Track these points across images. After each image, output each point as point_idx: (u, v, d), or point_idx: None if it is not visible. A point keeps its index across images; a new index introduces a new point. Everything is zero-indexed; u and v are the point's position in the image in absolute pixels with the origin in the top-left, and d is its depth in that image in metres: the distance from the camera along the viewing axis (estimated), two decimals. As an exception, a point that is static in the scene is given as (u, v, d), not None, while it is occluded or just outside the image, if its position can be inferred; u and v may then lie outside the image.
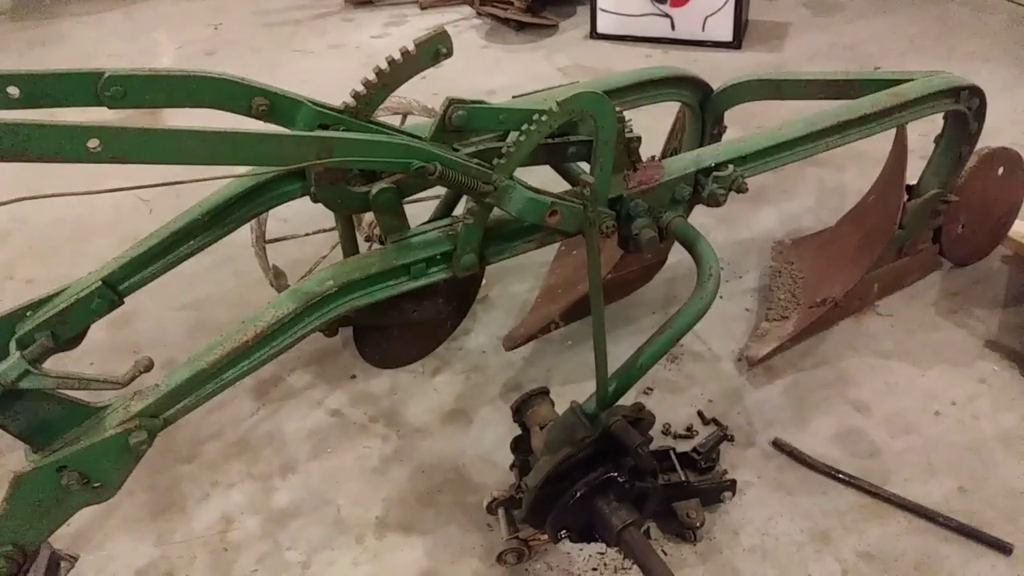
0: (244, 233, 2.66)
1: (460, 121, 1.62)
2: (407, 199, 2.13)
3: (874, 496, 2.24)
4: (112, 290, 1.84)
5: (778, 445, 2.40)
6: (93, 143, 1.16)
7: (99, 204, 3.84)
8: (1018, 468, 2.31)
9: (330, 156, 1.36)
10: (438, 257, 1.75)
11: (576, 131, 1.87)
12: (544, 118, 1.57)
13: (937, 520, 2.15)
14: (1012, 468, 2.31)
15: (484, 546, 2.22)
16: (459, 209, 2.11)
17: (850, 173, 3.61)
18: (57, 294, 1.84)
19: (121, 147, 1.19)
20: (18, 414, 1.53)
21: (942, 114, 2.54)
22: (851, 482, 2.27)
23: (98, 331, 3.03)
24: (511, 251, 1.84)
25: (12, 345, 1.78)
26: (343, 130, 1.51)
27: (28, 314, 1.83)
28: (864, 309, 2.86)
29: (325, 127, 1.51)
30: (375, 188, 1.68)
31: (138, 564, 2.29)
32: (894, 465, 2.34)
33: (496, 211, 1.73)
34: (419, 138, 1.60)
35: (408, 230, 1.77)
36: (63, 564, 1.84)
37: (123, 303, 1.89)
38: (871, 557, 2.11)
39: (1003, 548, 2.06)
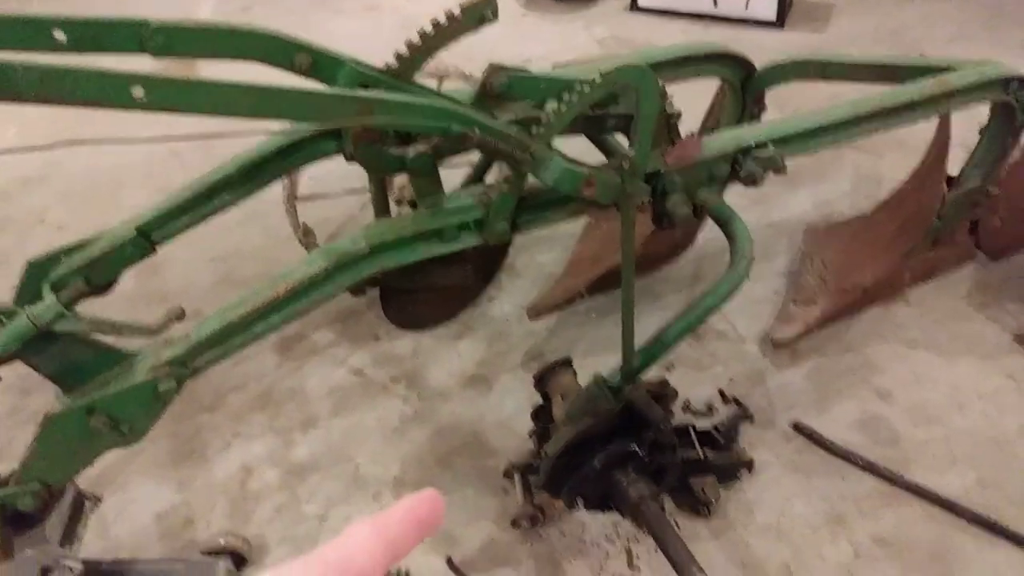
0: (275, 189, 2.68)
1: (501, 88, 1.61)
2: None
3: (892, 483, 2.23)
4: (145, 238, 1.88)
5: (798, 428, 2.40)
6: (138, 91, 1.17)
7: (132, 156, 3.86)
8: (1040, 465, 2.30)
9: (370, 115, 1.36)
10: (471, 223, 1.75)
11: (615, 103, 1.86)
12: (587, 89, 1.55)
13: (955, 510, 2.15)
14: (1034, 465, 2.30)
15: (499, 510, 2.25)
16: (490, 177, 2.11)
17: (888, 160, 3.55)
18: (92, 241, 1.87)
19: (165, 96, 1.20)
20: (51, 356, 1.56)
21: (988, 104, 2.48)
22: (869, 468, 2.26)
23: (127, 279, 3.06)
24: (543, 221, 1.83)
25: (45, 288, 1.81)
26: (384, 90, 1.50)
27: (62, 258, 1.86)
28: (894, 297, 2.83)
29: (366, 87, 1.51)
30: (412, 151, 1.68)
31: (158, 508, 2.34)
32: (914, 454, 2.33)
33: (530, 179, 1.72)
34: (459, 102, 1.59)
35: (442, 195, 1.77)
36: (87, 503, 1.88)
37: (155, 252, 1.92)
38: (885, 543, 2.11)
39: (1020, 541, 2.06)
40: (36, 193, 3.76)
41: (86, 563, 1.95)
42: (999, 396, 2.50)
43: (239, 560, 2.13)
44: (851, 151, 3.56)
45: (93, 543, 2.22)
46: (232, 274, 3.20)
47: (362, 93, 1.38)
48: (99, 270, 1.85)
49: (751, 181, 1.92)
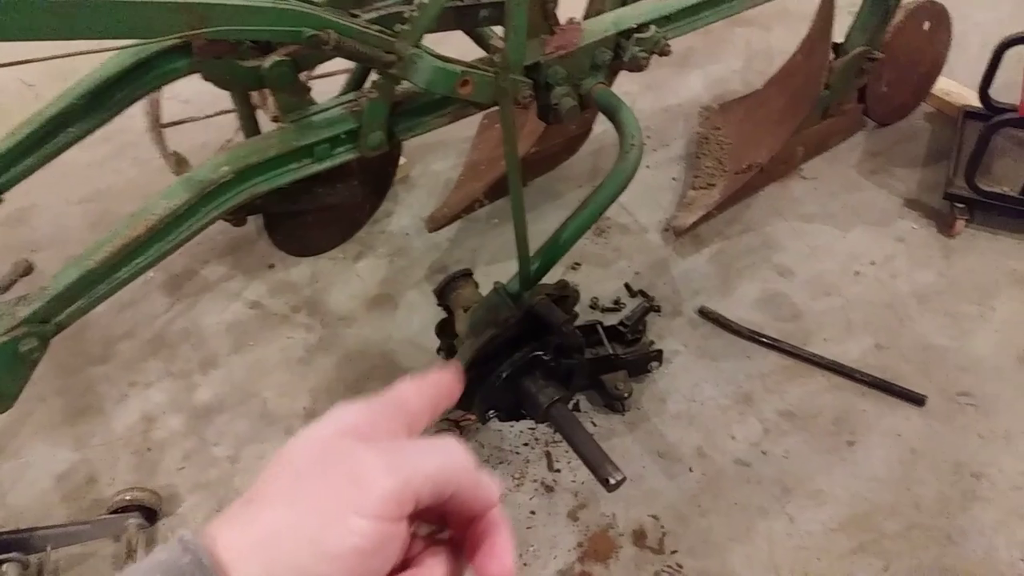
0: (143, 118, 2.47)
1: (356, -18, 1.46)
2: (315, 75, 1.98)
3: (795, 357, 2.29)
4: (-13, 186, 1.68)
5: (703, 313, 2.42)
6: None
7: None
8: (932, 323, 2.39)
9: (205, 26, 1.20)
10: (343, 136, 1.62)
11: (487, -8, 1.73)
12: (449, -23, 1.43)
13: (854, 376, 2.22)
14: (926, 323, 2.38)
15: (415, 429, 2.21)
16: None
17: (777, 32, 3.52)
18: (-81, 194, 1.68)
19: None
20: None
21: (871, -34, 2.45)
22: (773, 345, 2.31)
23: None
24: (423, 127, 1.72)
25: None
26: (221, -5, 1.34)
27: None
28: (789, 173, 2.85)
29: (201, -8, 1.34)
30: (267, 62, 1.53)
31: (58, 469, 2.21)
32: (814, 326, 2.39)
33: (406, 84, 1.60)
34: (311, 2, 1.44)
35: (309, 107, 1.63)
36: (-31, 478, 1.75)
37: (2, 200, 1.73)
38: (792, 415, 2.17)
39: (916, 400, 2.15)
40: None
41: (-21, 538, 1.85)
42: (891, 261, 2.57)
43: (149, 514, 2.05)
44: (741, 27, 3.51)
45: (-11, 515, 2.09)
46: (108, 214, 2.97)
47: None
48: (-64, 227, 1.66)
49: (636, 66, 1.84)
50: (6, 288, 1.40)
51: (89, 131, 1.78)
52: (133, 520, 2.01)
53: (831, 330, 2.37)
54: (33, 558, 1.93)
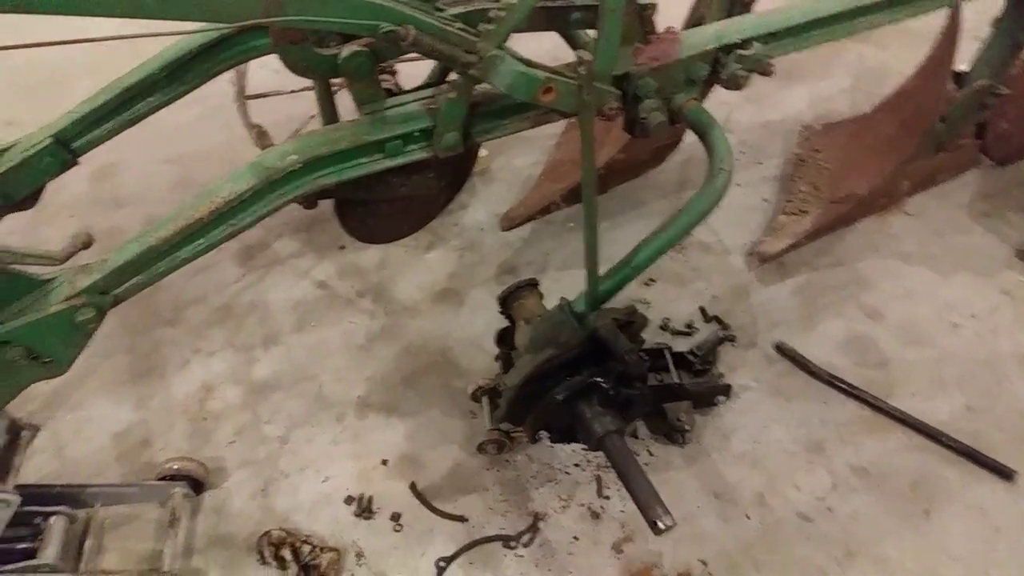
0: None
1: (445, -24, 1.39)
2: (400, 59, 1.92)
3: (876, 409, 2.13)
4: (64, 148, 1.70)
5: (781, 349, 2.28)
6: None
7: (83, 49, 3.60)
8: (1032, 388, 2.19)
9: (280, 13, 1.15)
10: (416, 134, 1.56)
11: (584, -7, 1.64)
12: (542, -23, 1.34)
13: (940, 439, 2.05)
14: (1026, 388, 2.19)
15: (466, 433, 2.16)
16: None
17: (894, 51, 3.29)
18: (5, 149, 1.69)
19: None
20: (-49, 287, 1.41)
21: (1005, -7, 2.24)
22: (853, 393, 2.16)
23: (80, 183, 2.95)
24: (501, 130, 1.65)
25: (-41, 203, 1.65)
26: (303, -19, 1.29)
27: (-27, 171, 1.69)
28: (891, 207, 2.66)
29: (283, -24, 1.30)
30: (345, 51, 1.47)
31: (115, 428, 2.25)
32: (901, 377, 2.22)
33: (486, 84, 1.53)
34: (396, -6, 1.37)
35: (384, 101, 1.57)
36: (24, 433, 1.78)
37: (77, 163, 1.74)
38: (865, 472, 2.02)
39: (1006, 474, 1.97)
40: (-18, 87, 3.53)
41: (33, 488, 1.88)
42: (994, 315, 2.37)
43: (196, 485, 2.06)
44: (854, 42, 3.29)
45: (48, 465, 2.15)
46: (190, 176, 3.02)
47: (269, -15, 1.17)
48: (16, 183, 1.68)
49: (734, 84, 1.72)
50: (65, 259, 1.40)
51: (169, 101, 1.78)
52: (179, 489, 2.02)
53: (919, 384, 2.20)
54: (81, 513, 1.97)
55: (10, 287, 1.48)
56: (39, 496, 1.89)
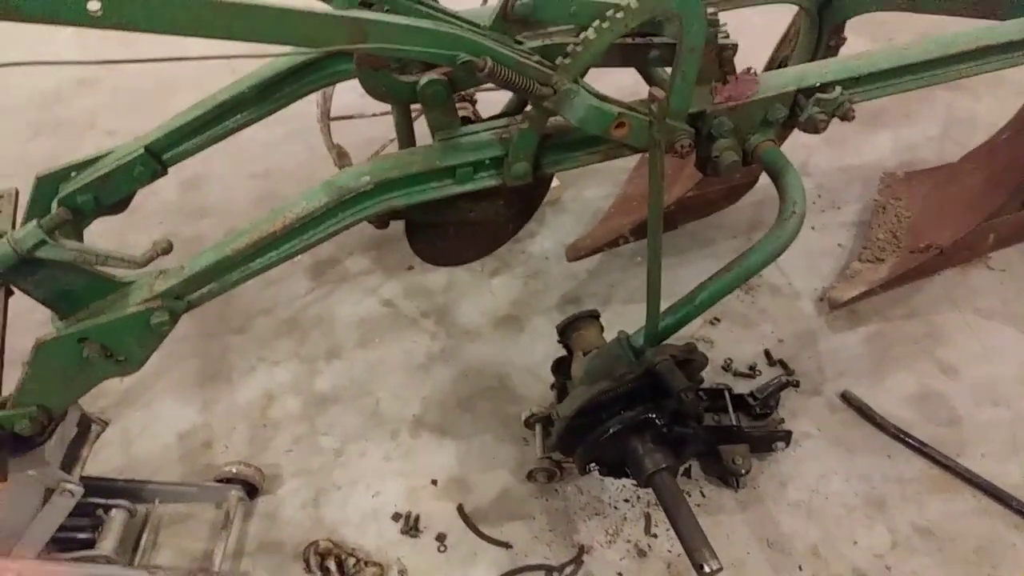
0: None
1: (524, 10, 1.41)
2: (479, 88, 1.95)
3: (944, 468, 2.05)
4: (155, 159, 1.79)
5: (847, 398, 2.21)
6: (94, 6, 1.04)
7: (184, 65, 3.78)
8: (1117, 461, 2.07)
9: (363, 41, 1.20)
10: (487, 161, 1.59)
11: (662, 31, 1.64)
12: (620, 15, 1.36)
13: (1011, 504, 1.96)
14: (1110, 460, 2.07)
15: (517, 460, 2.16)
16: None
17: (986, 102, 3.19)
18: (102, 156, 1.80)
19: (124, 12, 1.06)
20: (40, 281, 1.49)
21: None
22: (921, 449, 2.08)
23: (169, 191, 3.08)
24: (571, 163, 1.66)
25: (54, 204, 1.75)
26: (386, 10, 1.33)
27: (73, 174, 1.79)
28: (973, 260, 2.56)
29: (368, 5, 1.34)
30: (423, 79, 1.51)
31: (181, 427, 2.33)
32: (973, 437, 2.13)
33: (560, 117, 1.54)
34: (476, 26, 1.41)
35: (458, 128, 1.61)
36: (94, 427, 1.86)
37: (166, 172, 1.83)
38: (927, 533, 1.94)
39: (1081, 549, 1.86)
40: (89, 96, 3.74)
41: (98, 481, 1.96)
42: (1079, 379, 2.25)
43: (251, 489, 2.11)
44: (944, 90, 3.20)
45: (114, 459, 2.23)
46: (273, 191, 3.12)
47: (354, 13, 1.21)
48: (108, 189, 1.78)
49: (812, 127, 1.70)
50: (145, 264, 1.46)
51: (256, 119, 1.85)
52: (235, 492, 2.07)
53: (992, 445, 2.10)
54: (141, 508, 2.04)
55: (92, 287, 1.56)
56: (102, 488, 1.97)
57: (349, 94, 2.64)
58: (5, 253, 1.41)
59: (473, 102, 2.66)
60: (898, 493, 2.02)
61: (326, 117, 2.60)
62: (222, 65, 3.25)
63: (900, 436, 2.11)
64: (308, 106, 2.06)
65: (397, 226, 2.62)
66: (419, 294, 2.67)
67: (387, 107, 2.57)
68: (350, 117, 2.73)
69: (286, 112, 1.88)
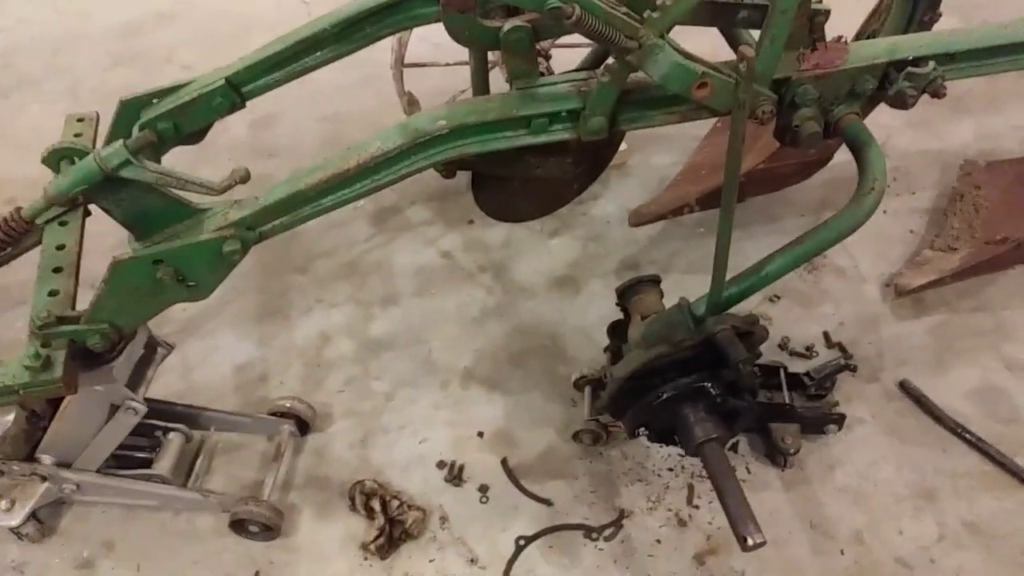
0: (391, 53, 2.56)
1: (616, -40, 1.39)
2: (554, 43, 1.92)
3: (999, 465, 2.00)
4: (235, 91, 1.81)
5: (905, 387, 2.17)
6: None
7: (261, 2, 3.82)
8: None
9: (453, -22, 1.19)
10: (564, 114, 1.57)
11: (753, -8, 1.60)
12: (714, -30, 1.32)
13: (1068, 509, 1.90)
14: None
15: (563, 420, 2.17)
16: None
17: (1081, 94, 3.05)
18: (183, 85, 1.82)
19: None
20: (121, 201, 1.53)
21: None
22: (977, 445, 2.04)
23: (240, 128, 3.13)
24: (648, 121, 1.63)
25: (135, 129, 1.79)
26: (479, -48, 1.32)
27: (155, 101, 1.83)
28: (1051, 257, 2.47)
29: (459, -53, 1.34)
30: (508, 25, 1.50)
31: (238, 360, 2.39)
32: (1034, 438, 2.07)
33: (640, 73, 1.52)
34: (564, -28, 1.39)
35: (537, 78, 1.59)
36: (160, 350, 1.92)
37: (244, 106, 1.85)
38: (976, 529, 1.90)
39: None
40: (167, 30, 3.79)
41: (159, 403, 2.03)
42: None
43: (302, 425, 2.16)
44: (1037, 79, 3.07)
45: (174, 384, 2.30)
46: (340, 135, 3.15)
47: (447, -48, 1.20)
48: (188, 117, 1.81)
49: (900, 102, 1.64)
50: (222, 191, 1.49)
51: (335, 58, 1.85)
52: (287, 427, 2.13)
53: (1053, 447, 2.05)
54: (197, 434, 2.11)
55: (169, 211, 1.60)
56: (162, 411, 2.04)
57: (421, 44, 2.65)
58: (91, 170, 1.45)
59: (548, 58, 2.63)
60: (950, 487, 1.98)
61: (399, 63, 2.60)
62: (298, 8, 3.28)
63: (957, 430, 2.06)
64: (379, 53, 2.05)
65: (460, 180, 2.63)
66: (477, 248, 2.68)
67: (460, 57, 2.57)
68: (423, 65, 2.73)
69: (358, 56, 1.87)
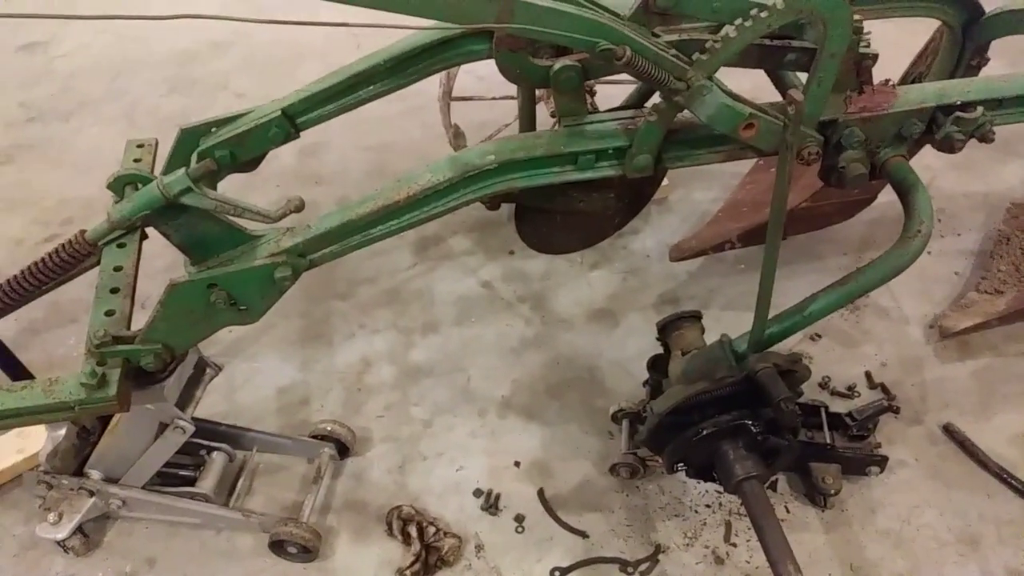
0: (437, 86, 2.62)
1: (667, 3, 1.42)
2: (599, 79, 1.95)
3: (1048, 515, 1.96)
4: (290, 121, 1.86)
5: (949, 431, 2.14)
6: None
7: (313, 31, 3.91)
8: None
9: (510, 21, 1.23)
10: (610, 151, 1.60)
11: (800, 35, 1.62)
12: (764, 15, 1.35)
13: (1119, 562, 1.85)
14: None
15: (600, 453, 2.17)
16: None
17: None
18: (241, 115, 1.88)
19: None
20: (179, 226, 1.58)
21: None
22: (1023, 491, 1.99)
23: (288, 157, 3.21)
24: (693, 159, 1.66)
25: (194, 156, 1.85)
26: (532, -7, 1.36)
27: (213, 130, 1.89)
28: (1101, 303, 2.43)
29: (513, -13, 1.37)
30: (558, 64, 1.54)
31: (280, 383, 2.43)
32: (1084, 488, 2.02)
33: (686, 112, 1.54)
34: (617, 16, 1.42)
35: (585, 115, 1.62)
36: (208, 371, 1.97)
37: (299, 136, 1.90)
38: (1023, 579, 1.86)
39: None
40: (222, 59, 3.92)
41: (204, 423, 2.07)
42: None
43: (342, 449, 2.19)
44: (1087, 124, 3.04)
45: (218, 404, 2.35)
46: (385, 166, 3.22)
47: (503, -6, 1.25)
48: (244, 146, 1.86)
49: (948, 147, 1.64)
50: (278, 219, 1.54)
51: (387, 92, 1.90)
52: (328, 450, 2.16)
53: (1104, 498, 2.00)
54: (239, 454, 2.15)
55: (225, 236, 1.64)
56: (207, 431, 2.08)
57: (466, 77, 2.71)
58: (154, 197, 1.50)
59: (593, 94, 2.67)
60: (994, 534, 1.94)
61: (448, 96, 2.66)
62: (347, 39, 3.37)
63: (1002, 475, 2.02)
64: (423, 85, 2.09)
65: (501, 211, 2.68)
66: (517, 279, 2.71)
67: (506, 92, 2.62)
68: (470, 99, 2.78)
69: (404, 91, 1.92)
